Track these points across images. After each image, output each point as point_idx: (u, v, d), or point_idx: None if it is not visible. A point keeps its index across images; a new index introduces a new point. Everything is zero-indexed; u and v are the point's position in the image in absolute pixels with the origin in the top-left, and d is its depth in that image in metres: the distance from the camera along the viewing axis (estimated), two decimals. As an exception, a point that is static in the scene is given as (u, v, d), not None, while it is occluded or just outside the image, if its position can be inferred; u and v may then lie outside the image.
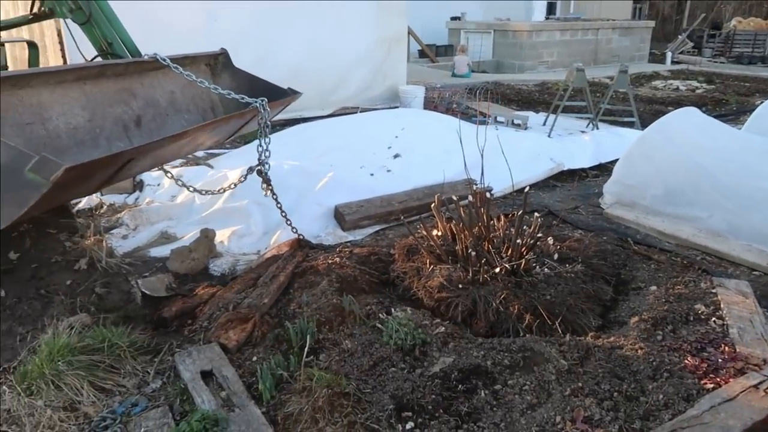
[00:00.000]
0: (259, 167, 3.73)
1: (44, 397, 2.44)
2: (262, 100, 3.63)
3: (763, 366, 2.57)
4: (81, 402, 2.47)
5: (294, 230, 3.92)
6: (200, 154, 6.02)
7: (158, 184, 5.12)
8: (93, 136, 3.40)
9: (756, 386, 2.41)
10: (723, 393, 2.38)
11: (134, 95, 3.75)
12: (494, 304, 3.01)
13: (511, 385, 2.49)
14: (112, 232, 4.26)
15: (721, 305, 3.07)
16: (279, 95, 4.29)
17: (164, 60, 3.63)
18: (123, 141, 3.54)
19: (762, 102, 5.93)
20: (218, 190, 4.14)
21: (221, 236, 4.09)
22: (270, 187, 3.80)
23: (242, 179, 3.98)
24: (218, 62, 4.48)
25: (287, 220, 3.91)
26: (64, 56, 6.44)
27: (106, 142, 3.44)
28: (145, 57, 3.74)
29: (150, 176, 5.23)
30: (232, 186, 4.04)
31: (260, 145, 3.68)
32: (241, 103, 3.97)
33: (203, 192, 4.05)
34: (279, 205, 3.87)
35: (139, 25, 6.69)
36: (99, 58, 4.01)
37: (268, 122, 3.66)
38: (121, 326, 2.92)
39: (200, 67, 4.36)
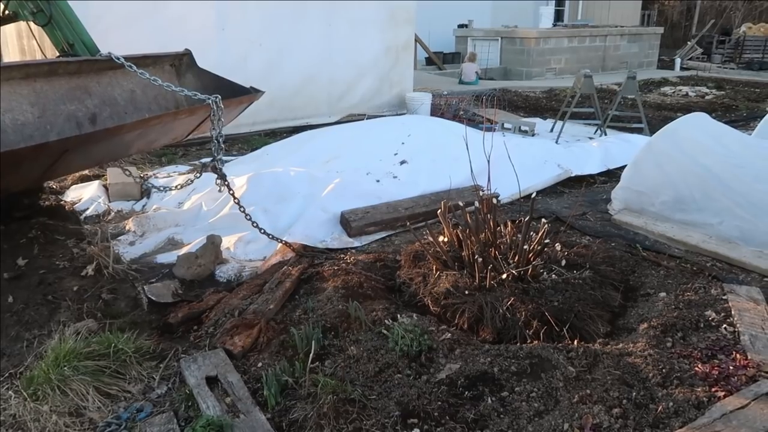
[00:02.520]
0: (212, 162, 3.72)
1: (50, 403, 2.44)
2: (216, 97, 3.65)
3: (775, 374, 2.53)
4: (86, 407, 2.46)
5: (270, 236, 3.87)
6: (208, 160, 6.03)
7: (165, 190, 5.13)
8: (43, 132, 3.44)
9: (768, 394, 2.37)
10: (735, 401, 2.34)
11: (89, 93, 3.78)
12: (501, 310, 2.98)
13: (518, 392, 2.46)
14: (119, 238, 4.27)
15: (732, 312, 3.03)
16: (242, 94, 4.33)
17: (118, 59, 3.66)
18: None
19: (772, 107, 5.89)
20: (176, 186, 4.25)
21: (228, 242, 4.09)
22: (225, 183, 3.78)
23: (197, 175, 4.08)
24: (183, 62, 4.52)
25: (248, 218, 3.85)
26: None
27: (57, 138, 3.45)
28: (100, 56, 3.77)
29: (157, 183, 5.24)
30: (189, 182, 4.15)
31: (213, 141, 3.68)
32: (210, 93, 3.97)
33: (162, 189, 4.25)
34: (236, 200, 3.84)
35: (150, 34, 6.79)
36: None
37: (221, 118, 3.67)
38: (127, 332, 2.92)
39: (164, 66, 4.40)
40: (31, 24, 4.15)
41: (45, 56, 4.51)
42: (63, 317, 3.17)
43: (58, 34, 4.08)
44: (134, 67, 3.66)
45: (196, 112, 3.83)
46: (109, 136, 3.27)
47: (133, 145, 3.86)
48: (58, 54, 4.15)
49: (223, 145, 3.72)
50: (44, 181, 4.07)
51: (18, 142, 3.27)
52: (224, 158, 3.91)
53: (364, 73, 9.04)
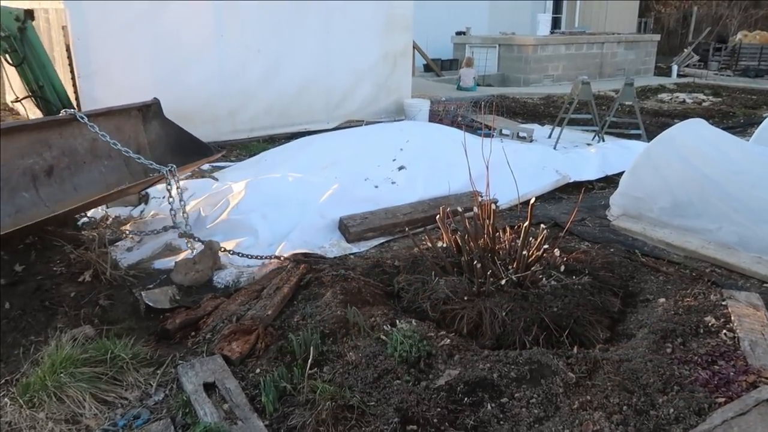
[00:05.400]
0: (180, 231, 3.94)
1: (46, 410, 2.42)
2: (171, 167, 3.87)
3: (775, 379, 2.52)
4: (83, 414, 2.44)
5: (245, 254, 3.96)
6: (205, 167, 6.04)
7: (163, 197, 5.12)
8: None
9: (769, 400, 2.36)
10: (735, 407, 2.33)
11: (49, 145, 3.95)
12: (500, 316, 2.97)
13: (517, 398, 2.45)
14: (116, 244, 4.25)
15: (732, 317, 3.03)
16: (201, 151, 4.61)
17: (82, 118, 3.88)
18: (29, 191, 3.78)
19: (769, 114, 5.90)
20: (153, 231, 4.40)
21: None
22: (198, 241, 3.94)
23: (156, 231, 4.37)
24: (150, 110, 4.75)
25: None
26: (72, 69, 6.50)
27: (8, 194, 3.64)
28: (63, 114, 3.97)
29: (155, 189, 5.23)
30: (159, 230, 4.37)
31: (172, 210, 3.89)
32: (169, 146, 4.50)
33: (138, 233, 4.41)
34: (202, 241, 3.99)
35: (148, 43, 6.80)
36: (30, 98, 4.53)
37: (179, 187, 3.89)
38: (124, 338, 2.91)
39: (131, 113, 4.64)
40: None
41: (13, 91, 4.87)
42: (60, 323, 3.15)
43: (30, 76, 4.34)
44: (96, 128, 3.87)
45: (150, 181, 4.16)
46: (59, 216, 3.55)
47: (86, 208, 4.13)
48: (27, 93, 4.48)
49: (186, 213, 3.94)
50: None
51: None
52: (221, 165, 4.02)
53: (362, 79, 9.05)
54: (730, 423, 2.24)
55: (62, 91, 4.43)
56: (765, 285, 3.59)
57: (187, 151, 4.53)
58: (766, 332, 2.88)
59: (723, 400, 2.40)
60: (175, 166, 3.90)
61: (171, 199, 3.86)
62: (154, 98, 4.74)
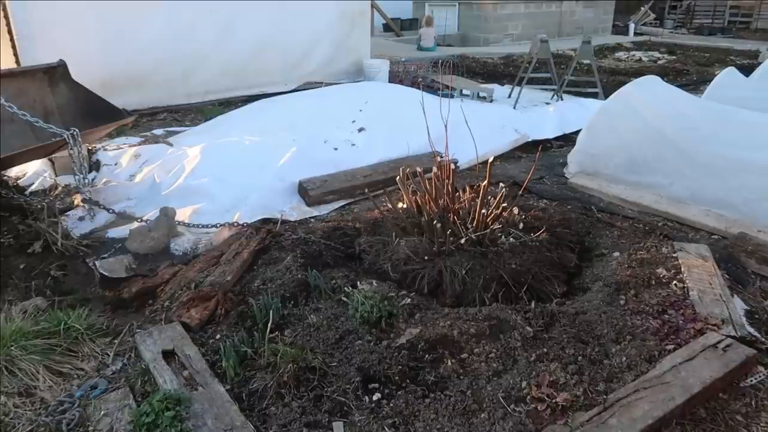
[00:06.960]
0: (83, 197, 3.95)
1: (-3, 384, 2.35)
2: (73, 131, 3.79)
3: (721, 326, 2.63)
4: (37, 387, 2.38)
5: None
6: (159, 132, 5.85)
7: (116, 164, 4.95)
8: None
9: (715, 345, 2.47)
10: (683, 353, 2.43)
11: None
12: (460, 274, 3.00)
13: (477, 354, 2.50)
14: (67, 213, 4.09)
15: (682, 269, 3.13)
16: (113, 115, 4.51)
17: None
18: None
19: (721, 71, 6.02)
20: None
21: (182, 215, 3.98)
22: (100, 206, 3.93)
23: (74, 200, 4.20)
24: (57, 72, 4.65)
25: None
26: (10, 30, 6.13)
27: None
28: None
29: (107, 156, 5.05)
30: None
31: (75, 175, 3.85)
32: (80, 110, 4.41)
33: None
34: (111, 210, 4.03)
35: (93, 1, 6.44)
36: None
37: (81, 151, 3.84)
38: (78, 309, 2.83)
39: (36, 75, 4.54)
40: None
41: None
42: (9, 296, 3.05)
43: None
44: None
45: (56, 146, 4.00)
46: None
47: None
48: None
49: (88, 178, 3.96)
50: None
51: None
52: (175, 130, 3.93)
53: (319, 39, 8.83)
54: (678, 368, 2.34)
55: None
56: (713, 237, 3.72)
57: (99, 115, 4.43)
58: (714, 282, 3.00)
59: (672, 347, 2.50)
60: (77, 130, 3.81)
61: (73, 164, 3.79)
62: (60, 60, 4.62)
